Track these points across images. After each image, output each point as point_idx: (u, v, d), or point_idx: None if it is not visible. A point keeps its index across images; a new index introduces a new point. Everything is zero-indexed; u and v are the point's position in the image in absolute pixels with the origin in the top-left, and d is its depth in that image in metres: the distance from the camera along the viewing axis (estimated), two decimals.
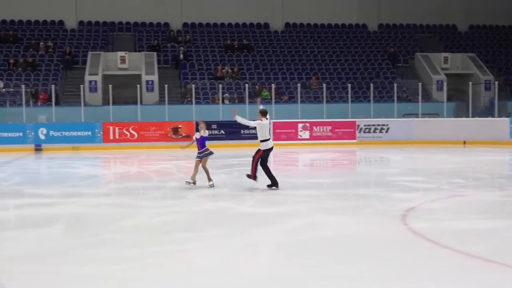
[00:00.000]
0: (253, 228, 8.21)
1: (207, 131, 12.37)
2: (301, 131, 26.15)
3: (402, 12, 37.20)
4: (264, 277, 5.81)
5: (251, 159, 12.06)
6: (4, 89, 27.58)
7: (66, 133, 24.99)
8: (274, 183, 11.85)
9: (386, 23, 37.58)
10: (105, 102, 27.70)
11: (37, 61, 30.93)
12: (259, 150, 11.98)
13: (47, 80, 29.43)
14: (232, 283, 5.64)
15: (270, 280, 5.73)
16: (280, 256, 6.68)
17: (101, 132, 24.96)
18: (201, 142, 12.17)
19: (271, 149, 12.05)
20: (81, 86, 27.16)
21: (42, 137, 24.69)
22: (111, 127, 25.09)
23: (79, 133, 25.03)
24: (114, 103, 26.32)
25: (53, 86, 26.98)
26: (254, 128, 12.14)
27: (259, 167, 11.92)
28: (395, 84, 28.83)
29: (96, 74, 29.43)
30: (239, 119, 12.26)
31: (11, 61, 30.47)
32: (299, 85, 28.18)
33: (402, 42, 35.99)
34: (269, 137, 12.09)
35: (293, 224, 8.42)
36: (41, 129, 24.80)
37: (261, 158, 11.90)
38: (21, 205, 10.64)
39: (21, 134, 24.62)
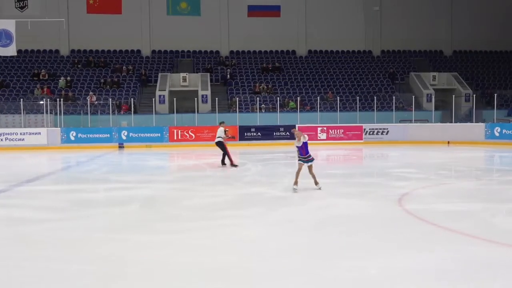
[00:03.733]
0: (283, 207, 8.21)
1: (306, 136, 9.65)
2: (320, 133, 26.01)
3: (400, 40, 36.63)
4: (291, 245, 5.82)
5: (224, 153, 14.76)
6: (96, 102, 28.09)
7: (142, 135, 25.31)
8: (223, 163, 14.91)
9: (387, 49, 37.09)
10: (171, 111, 28.00)
11: (121, 80, 31.45)
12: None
13: (128, 94, 29.91)
14: (270, 250, 5.66)
15: (295, 246, 5.73)
16: (303, 229, 6.67)
17: (168, 134, 25.21)
18: (305, 148, 9.58)
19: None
20: (153, 99, 27.54)
21: (124, 137, 25.07)
22: (175, 130, 25.33)
23: (151, 135, 25.33)
24: (177, 112, 26.57)
25: (132, 99, 27.43)
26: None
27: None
28: (393, 97, 28.46)
29: (164, 90, 29.77)
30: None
31: (102, 80, 31.04)
32: (318, 97, 28.05)
33: (399, 64, 35.47)
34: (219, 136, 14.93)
35: (313, 205, 8.39)
36: (123, 131, 25.20)
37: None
38: (108, 189, 10.84)
39: (108, 135, 25.04)
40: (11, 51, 24.69)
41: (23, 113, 25.80)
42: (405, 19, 36.37)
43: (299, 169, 9.66)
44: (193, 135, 25.19)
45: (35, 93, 29.20)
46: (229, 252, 5.55)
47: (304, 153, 9.61)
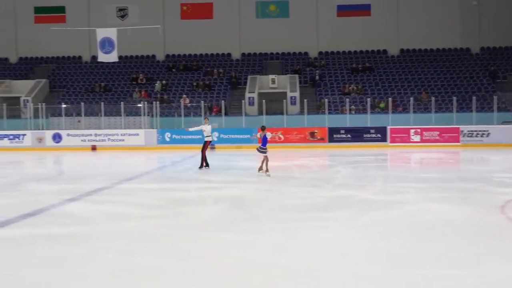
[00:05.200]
0: (373, 211, 8.02)
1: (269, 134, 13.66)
2: (413, 135, 25.09)
3: (501, 36, 34.23)
4: (379, 249, 5.67)
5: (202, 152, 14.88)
6: (189, 104, 29.24)
7: (232, 136, 25.97)
8: (205, 165, 14.87)
9: (487, 46, 34.84)
10: (260, 113, 28.43)
11: (212, 83, 32.49)
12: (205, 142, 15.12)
13: (218, 97, 30.82)
14: (356, 254, 5.57)
15: (383, 251, 5.58)
16: (392, 233, 6.47)
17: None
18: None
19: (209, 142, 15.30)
20: (243, 101, 28.14)
21: (215, 138, 25.80)
22: None
23: (241, 136, 25.88)
24: (266, 114, 26.92)
25: (223, 101, 28.22)
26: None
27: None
28: (495, 97, 26.65)
29: (254, 92, 30.30)
30: (191, 129, 15.65)
31: (194, 83, 32.28)
32: (411, 98, 27.03)
33: (501, 62, 33.13)
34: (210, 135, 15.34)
35: (405, 210, 8.11)
36: (214, 133, 25.95)
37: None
38: (200, 188, 11.24)
39: (200, 136, 25.87)
40: (113, 57, 26.56)
41: (123, 115, 27.56)
42: (507, 12, 33.90)
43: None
44: (282, 136, 25.33)
45: (133, 96, 31.05)
46: (315, 255, 5.53)
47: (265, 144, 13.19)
